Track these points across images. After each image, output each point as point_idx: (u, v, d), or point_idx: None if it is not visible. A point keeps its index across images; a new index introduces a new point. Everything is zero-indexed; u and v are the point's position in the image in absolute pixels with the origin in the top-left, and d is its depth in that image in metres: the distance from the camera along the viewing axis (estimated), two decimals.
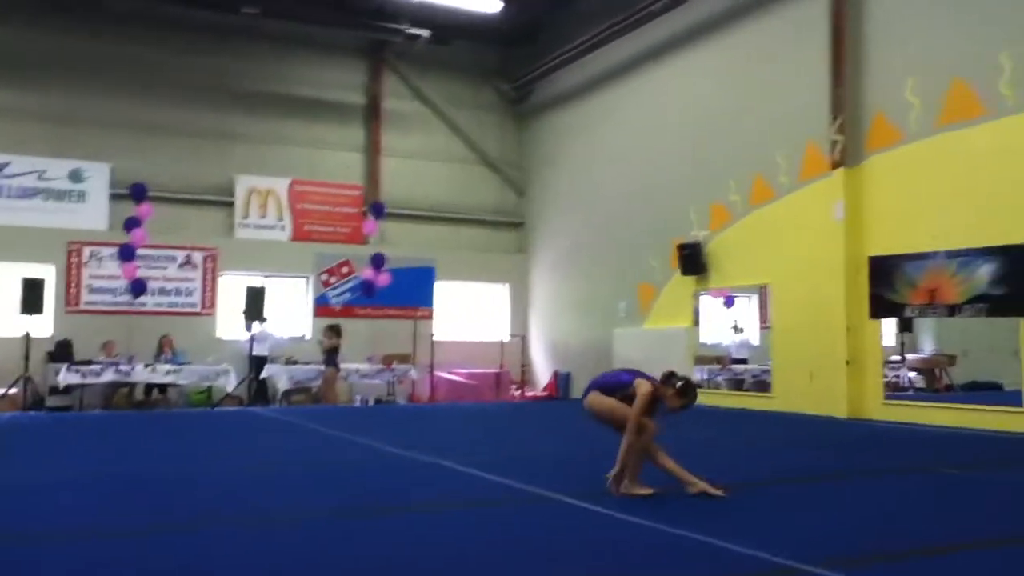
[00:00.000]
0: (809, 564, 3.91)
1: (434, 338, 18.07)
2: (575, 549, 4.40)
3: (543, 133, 20.08)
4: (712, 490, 5.72)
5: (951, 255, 11.01)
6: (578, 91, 18.64)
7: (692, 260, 14.95)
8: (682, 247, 15.05)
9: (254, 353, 15.74)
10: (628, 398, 5.79)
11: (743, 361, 16.48)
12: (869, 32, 12.36)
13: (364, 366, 16.39)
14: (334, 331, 15.03)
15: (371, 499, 5.94)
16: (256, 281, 16.76)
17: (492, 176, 20.55)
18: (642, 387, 5.75)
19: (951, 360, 15.39)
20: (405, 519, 5.16)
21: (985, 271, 10.60)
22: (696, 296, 15.35)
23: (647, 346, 15.89)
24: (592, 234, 18.09)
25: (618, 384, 5.97)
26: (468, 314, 20.01)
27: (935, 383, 15.24)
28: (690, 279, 15.17)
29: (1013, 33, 10.42)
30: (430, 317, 18.76)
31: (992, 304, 10.53)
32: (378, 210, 18.55)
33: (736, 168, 14.37)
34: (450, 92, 20.06)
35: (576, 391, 17.71)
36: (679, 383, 5.83)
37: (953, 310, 11.07)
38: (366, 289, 18.01)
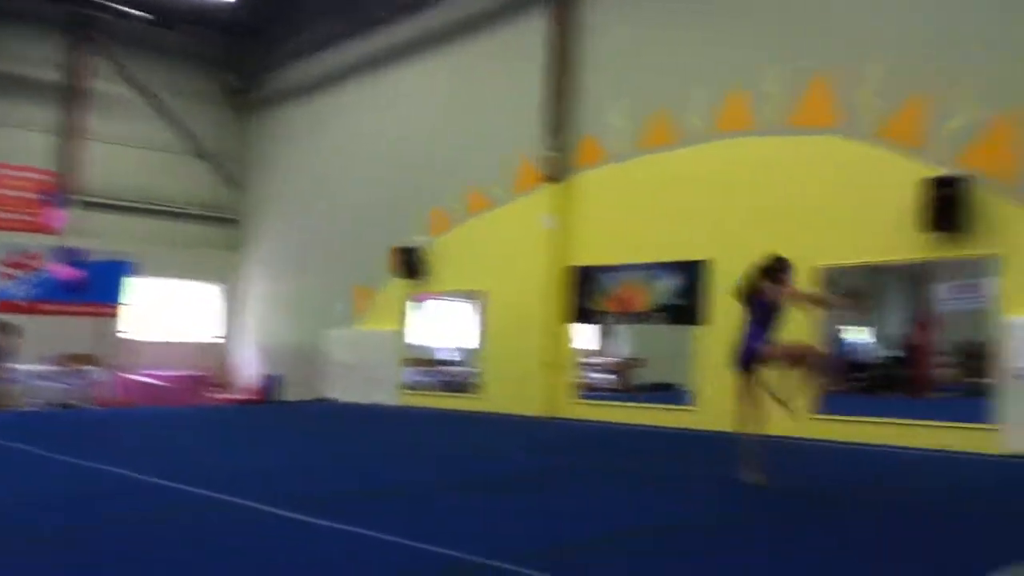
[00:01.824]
0: (501, 560, 3.92)
1: (123, 337, 16.66)
2: (269, 558, 4.11)
3: (268, 128, 19.37)
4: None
5: (642, 267, 12.01)
6: (306, 89, 18.21)
7: (410, 264, 15.07)
8: (401, 251, 15.13)
9: None
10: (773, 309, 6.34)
11: (455, 363, 16.86)
12: (583, 57, 13.23)
13: (41, 367, 14.78)
14: (2, 329, 13.58)
15: (52, 515, 5.10)
16: None
17: (207, 169, 19.44)
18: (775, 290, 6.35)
19: (638, 363, 16.82)
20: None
21: (669, 283, 11.67)
22: (411, 300, 15.49)
23: (361, 348, 15.76)
24: (312, 234, 17.69)
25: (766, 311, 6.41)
26: (174, 313, 18.71)
27: (625, 384, 16.54)
28: (407, 283, 15.28)
29: (704, 71, 11.61)
30: (117, 315, 17.19)
31: (672, 313, 11.62)
32: (60, 199, 16.68)
33: (456, 176, 14.72)
34: (168, 78, 18.78)
35: (288, 393, 17.16)
36: (775, 263, 6.53)
37: (640, 318, 12.08)
38: (55, 284, 16.19)
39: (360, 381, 15.39)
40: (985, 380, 9.02)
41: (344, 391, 15.72)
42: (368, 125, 16.68)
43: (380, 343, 15.50)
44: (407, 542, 4.27)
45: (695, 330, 11.33)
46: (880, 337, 18.85)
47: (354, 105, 17.08)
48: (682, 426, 11.06)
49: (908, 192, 9.35)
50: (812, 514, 5.46)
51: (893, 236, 9.62)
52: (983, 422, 8.79)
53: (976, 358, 17.32)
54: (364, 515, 4.96)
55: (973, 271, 11.00)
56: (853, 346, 17.74)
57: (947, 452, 8.70)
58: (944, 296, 11.65)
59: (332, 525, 4.69)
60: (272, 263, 18.78)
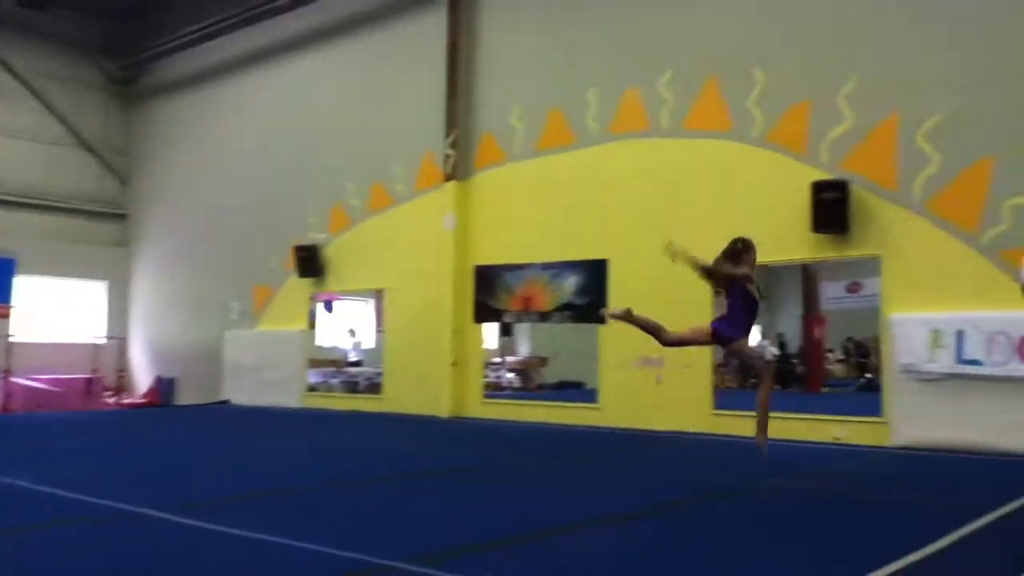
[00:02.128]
0: (400, 561, 3.97)
1: (11, 339, 15.86)
2: (159, 566, 4.06)
3: (156, 119, 18.64)
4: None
5: (545, 267, 12.14)
6: (197, 79, 17.61)
7: (310, 262, 14.81)
8: (300, 248, 14.86)
9: None
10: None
11: (358, 364, 16.73)
12: (481, 57, 13.23)
13: None
14: None
15: None
16: None
17: (91, 161, 18.61)
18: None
19: (543, 362, 17.08)
20: None
21: (571, 282, 11.84)
22: (313, 299, 15.25)
23: (261, 349, 15.43)
24: (206, 230, 17.15)
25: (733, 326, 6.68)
26: (57, 313, 17.87)
27: (529, 383, 16.76)
28: (307, 281, 15.03)
29: (600, 73, 11.78)
30: (7, 316, 16.40)
31: (576, 312, 11.80)
32: None
33: (357, 173, 14.54)
34: (45, 65, 17.84)
35: (182, 397, 16.69)
36: (740, 244, 6.66)
37: (545, 316, 12.22)
38: None
39: (261, 383, 15.08)
40: (874, 375, 9.51)
41: (244, 394, 15.38)
42: (264, 118, 16.27)
43: (281, 344, 15.20)
44: (305, 545, 4.27)
45: (598, 328, 11.54)
46: (774, 335, 19.66)
47: (248, 97, 16.62)
48: (587, 423, 11.28)
49: (797, 195, 9.74)
50: (712, 505, 5.66)
51: (784, 237, 10.00)
52: (873, 416, 9.28)
53: (864, 355, 18.32)
54: (256, 518, 4.91)
55: (860, 271, 11.56)
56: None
57: (840, 445, 9.15)
58: (833, 295, 12.24)
59: (224, 530, 4.65)
60: (164, 260, 18.15)
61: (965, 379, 8.49)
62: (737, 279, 6.67)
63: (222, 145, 17.04)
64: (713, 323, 6.99)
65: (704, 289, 10.55)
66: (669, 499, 5.97)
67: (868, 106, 9.55)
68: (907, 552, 4.11)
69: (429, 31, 13.63)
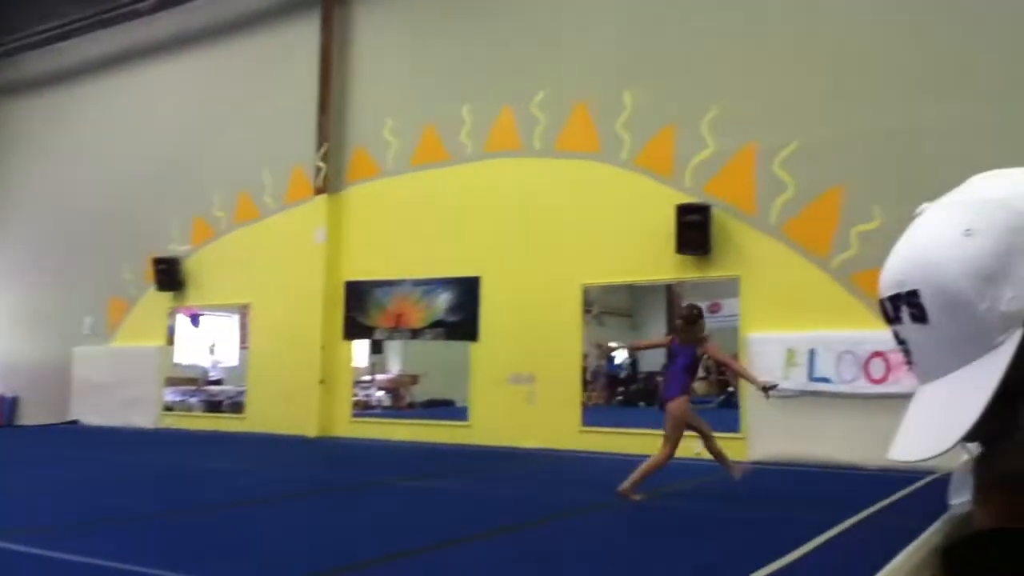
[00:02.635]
0: None
1: None
2: None
3: (3, 120, 17.44)
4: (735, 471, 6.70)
5: (416, 283, 12.04)
6: (51, 80, 16.61)
7: (169, 275, 14.17)
8: (159, 261, 14.19)
9: None
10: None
11: (219, 382, 16.09)
12: (355, 70, 13.06)
13: None
14: None
15: None
16: None
17: None
18: (708, 349, 6.58)
19: (414, 380, 16.90)
20: None
21: (444, 299, 11.79)
22: (172, 313, 14.58)
23: (115, 366, 14.60)
24: (56, 240, 16.14)
25: (692, 367, 6.61)
26: None
27: (399, 401, 16.55)
28: (167, 295, 14.37)
29: (474, 91, 11.83)
30: None
31: (448, 329, 11.75)
32: None
33: (222, 183, 14.03)
34: None
35: (26, 417, 15.63)
36: (692, 312, 6.63)
37: (416, 333, 12.11)
38: None
39: (114, 402, 14.26)
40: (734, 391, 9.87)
41: (96, 413, 14.52)
42: (124, 123, 15.48)
43: (137, 360, 14.43)
44: (157, 572, 4.06)
45: (470, 346, 11.52)
46: (640, 353, 20.19)
47: (107, 100, 15.80)
48: (458, 442, 11.21)
49: (663, 217, 10.04)
50: (576, 520, 5.71)
51: (650, 258, 10.29)
52: (732, 432, 9.61)
53: (725, 372, 18.95)
54: (104, 544, 4.64)
55: (721, 292, 12.06)
56: (617, 363, 18.86)
57: (701, 460, 9.41)
58: None
59: (67, 558, 4.39)
60: (7, 272, 16.95)
61: (817, 396, 8.94)
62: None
63: (77, 150, 16.11)
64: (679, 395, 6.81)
65: (572, 310, 10.77)
66: (529, 518, 5.99)
67: (729, 133, 9.97)
68: (763, 564, 4.24)
69: (301, 41, 13.35)
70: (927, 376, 0.67)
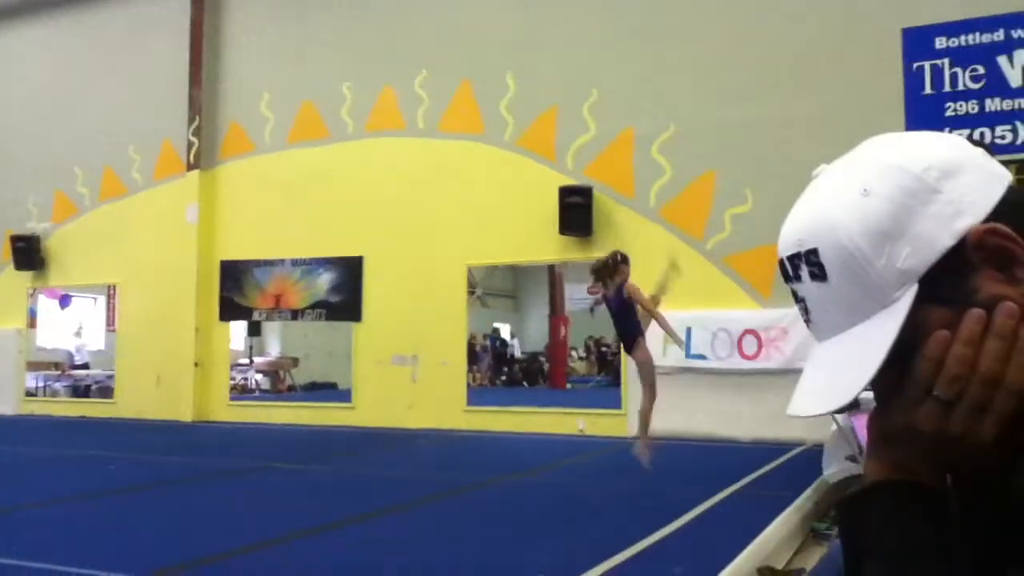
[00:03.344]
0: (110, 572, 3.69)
1: None
2: None
3: None
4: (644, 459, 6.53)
5: (296, 263, 11.77)
6: None
7: (28, 254, 13.34)
8: (16, 239, 13.34)
9: None
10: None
11: (85, 366, 15.33)
12: (227, 42, 12.57)
13: None
14: None
15: None
16: None
17: None
18: (632, 290, 6.58)
19: (294, 362, 16.55)
20: None
21: (325, 279, 11.57)
22: (32, 294, 13.75)
23: None
24: None
25: (628, 308, 6.62)
26: None
27: (279, 384, 16.20)
28: (26, 275, 13.53)
29: (353, 68, 11.60)
30: None
31: (330, 310, 11.55)
32: None
33: (85, 158, 13.28)
34: None
35: None
36: (618, 257, 6.68)
37: (296, 314, 11.85)
38: None
39: None
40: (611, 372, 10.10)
41: None
42: None
43: None
44: (32, 564, 3.88)
45: (353, 327, 11.36)
46: (522, 334, 20.43)
47: None
48: (341, 424, 11.07)
49: (546, 198, 10.14)
50: (463, 498, 5.75)
51: (533, 239, 10.39)
52: (613, 408, 9.85)
53: (604, 352, 19.42)
54: None
55: None
56: (501, 342, 19.00)
57: (584, 436, 9.64)
58: (576, 296, 12.97)
59: None
60: None
61: (694, 372, 9.27)
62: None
63: None
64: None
65: (456, 291, 10.77)
66: (414, 496, 5.99)
67: (609, 118, 10.15)
68: (640, 538, 4.38)
69: (171, 11, 12.74)
70: (825, 334, 0.70)
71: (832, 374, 0.68)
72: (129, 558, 4.08)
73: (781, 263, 0.72)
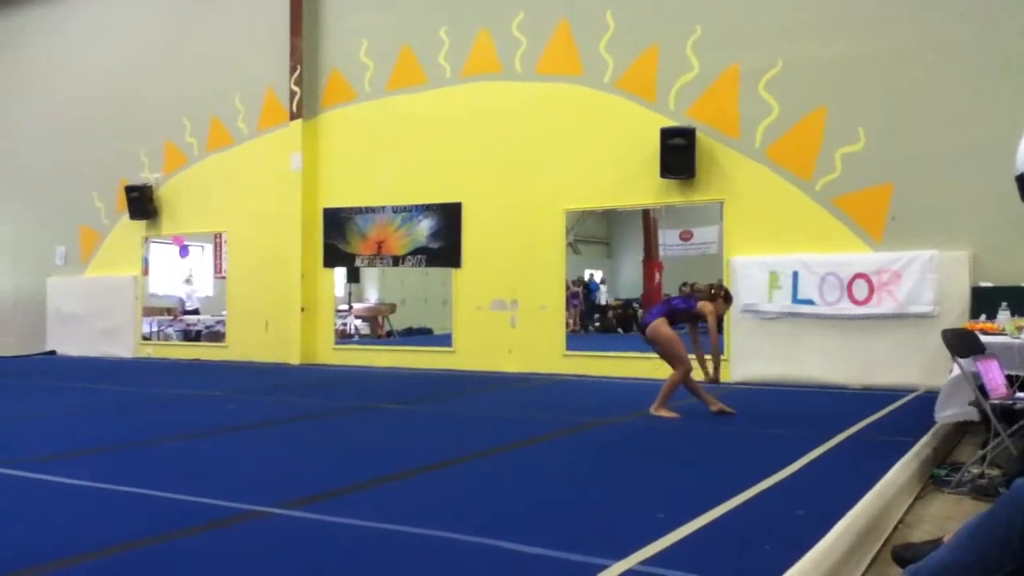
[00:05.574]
0: (269, 506, 3.85)
1: None
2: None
3: None
4: (727, 409, 6.77)
5: (396, 210, 11.92)
6: (3, 5, 15.96)
7: (141, 204, 13.91)
8: (131, 189, 13.90)
9: None
10: (693, 318, 6.78)
11: (196, 312, 15.98)
12: None
13: None
14: None
15: None
16: None
17: None
18: (706, 307, 6.65)
19: (392, 308, 16.87)
20: None
21: (425, 226, 11.70)
22: (146, 243, 14.35)
23: (89, 296, 14.43)
24: (23, 168, 15.74)
25: (681, 310, 6.76)
26: None
27: (378, 329, 16.56)
28: (140, 224, 14.12)
29: (451, 13, 11.53)
30: None
31: (430, 256, 11.69)
32: None
33: (193, 109, 13.69)
34: None
35: (3, 348, 15.45)
36: (722, 291, 6.92)
37: (397, 261, 12.04)
38: None
39: (91, 333, 14.16)
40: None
41: (72, 344, 14.41)
42: (90, 43, 14.96)
43: (112, 291, 14.26)
44: (162, 494, 4.09)
45: (453, 272, 11.49)
46: (615, 280, 20.33)
47: (71, 20, 15.25)
48: (442, 367, 11.28)
49: (646, 141, 9.97)
50: (576, 437, 5.81)
51: (633, 182, 10.25)
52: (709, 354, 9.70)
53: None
54: (104, 471, 4.66)
55: (692, 220, 12.15)
56: (595, 290, 18.97)
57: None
58: (668, 242, 12.86)
59: (67, 481, 4.42)
60: None
61: (799, 318, 9.06)
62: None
63: (40, 71, 15.60)
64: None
65: (554, 236, 10.75)
66: (535, 433, 6.06)
67: (713, 55, 9.85)
68: (757, 480, 4.33)
69: None
70: None
71: None
72: (253, 491, 4.24)
73: (1019, 179, 0.68)
